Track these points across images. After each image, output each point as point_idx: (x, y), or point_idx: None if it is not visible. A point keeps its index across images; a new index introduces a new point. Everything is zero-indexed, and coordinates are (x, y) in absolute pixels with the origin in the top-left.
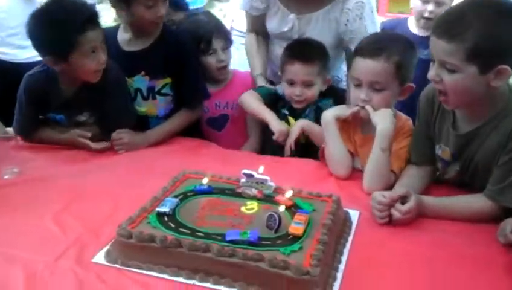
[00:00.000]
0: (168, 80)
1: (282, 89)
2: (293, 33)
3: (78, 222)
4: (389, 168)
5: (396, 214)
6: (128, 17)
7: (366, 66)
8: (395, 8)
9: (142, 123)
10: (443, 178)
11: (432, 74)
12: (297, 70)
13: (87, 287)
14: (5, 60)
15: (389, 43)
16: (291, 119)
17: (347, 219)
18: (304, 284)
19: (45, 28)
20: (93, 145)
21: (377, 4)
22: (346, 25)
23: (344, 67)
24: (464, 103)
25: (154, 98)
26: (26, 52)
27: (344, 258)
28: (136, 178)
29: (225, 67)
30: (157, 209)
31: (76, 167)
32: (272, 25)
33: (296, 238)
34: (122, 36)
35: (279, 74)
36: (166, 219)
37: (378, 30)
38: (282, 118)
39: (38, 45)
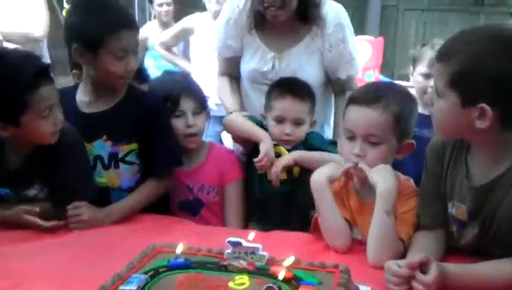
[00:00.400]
0: (134, 146)
1: (270, 130)
2: (273, 74)
3: None
4: (396, 235)
5: (419, 287)
6: (93, 71)
7: (361, 115)
8: None
9: (102, 196)
10: (458, 244)
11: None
12: (288, 106)
13: None
14: None
15: (388, 92)
16: (281, 148)
17: None
18: None
19: None
20: (42, 223)
21: None
22: (330, 51)
23: (331, 121)
24: (449, 134)
25: (117, 166)
26: None
27: None
28: (94, 258)
29: (195, 135)
30: (121, 288)
31: (21, 248)
32: (250, 65)
33: None
34: (81, 97)
35: (261, 115)
36: None
37: (354, 60)
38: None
39: None
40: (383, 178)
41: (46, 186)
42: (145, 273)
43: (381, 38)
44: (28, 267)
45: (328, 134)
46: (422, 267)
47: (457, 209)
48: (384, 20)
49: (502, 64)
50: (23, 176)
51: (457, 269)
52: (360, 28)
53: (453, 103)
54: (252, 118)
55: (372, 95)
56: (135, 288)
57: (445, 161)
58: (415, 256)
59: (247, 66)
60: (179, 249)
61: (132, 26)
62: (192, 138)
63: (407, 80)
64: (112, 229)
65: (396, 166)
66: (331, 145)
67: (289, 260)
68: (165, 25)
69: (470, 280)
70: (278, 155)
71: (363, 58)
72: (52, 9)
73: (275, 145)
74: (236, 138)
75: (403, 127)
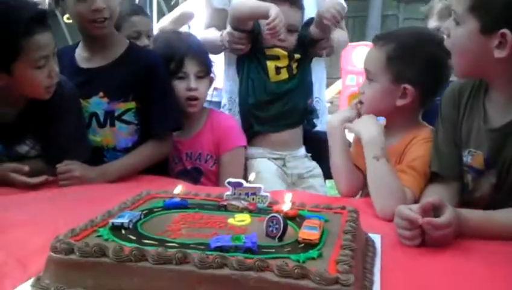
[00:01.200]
0: (131, 105)
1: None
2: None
3: (3, 250)
4: (396, 180)
5: (431, 230)
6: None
7: (368, 55)
8: None
9: (96, 156)
10: (473, 197)
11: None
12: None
13: None
14: None
15: (397, 34)
16: (279, 50)
17: (369, 240)
18: None
19: None
20: (30, 180)
21: None
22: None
23: (324, 85)
24: (466, 68)
25: (112, 124)
26: None
27: (377, 278)
28: (83, 209)
29: (196, 99)
30: (112, 221)
31: (8, 199)
32: None
33: (311, 246)
34: (81, 52)
35: None
36: (123, 232)
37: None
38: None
39: None
40: (365, 127)
41: (38, 142)
42: (140, 211)
43: None
44: (16, 216)
45: None
46: (436, 211)
47: (474, 157)
48: (384, 28)
49: None
50: (15, 130)
51: (474, 214)
52: (361, 36)
53: (473, 29)
54: None
55: (382, 35)
56: (127, 221)
57: (461, 106)
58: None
59: None
60: (177, 190)
61: None
62: (193, 102)
63: None
64: (105, 186)
65: None
66: None
67: (289, 204)
68: None
69: (488, 227)
70: (276, 57)
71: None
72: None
73: (271, 47)
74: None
75: (397, 68)
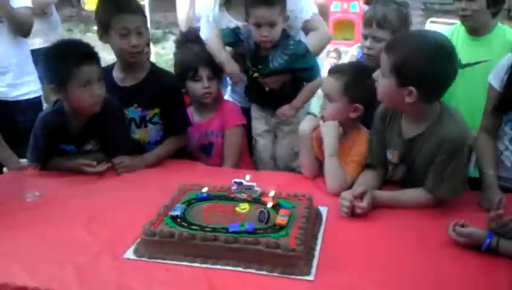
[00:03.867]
0: (157, 111)
1: (253, 35)
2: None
3: (103, 229)
4: (342, 170)
5: (357, 210)
6: (111, 47)
7: (325, 82)
8: (340, 35)
9: (136, 149)
10: (392, 179)
11: (376, 74)
12: (262, 13)
13: (124, 276)
14: None
15: (346, 66)
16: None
17: (318, 213)
18: (291, 259)
19: (49, 60)
20: (97, 168)
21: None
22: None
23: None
24: (388, 103)
25: (145, 126)
26: (15, 91)
27: (319, 241)
28: (141, 194)
29: (210, 94)
30: (170, 213)
31: (87, 187)
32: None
33: (282, 227)
34: (117, 74)
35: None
36: (178, 220)
37: (311, 2)
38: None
39: (43, 75)
40: (326, 131)
41: (98, 142)
42: (183, 203)
43: None
44: (96, 201)
45: None
46: (362, 195)
47: (393, 155)
48: None
49: (426, 63)
50: (82, 136)
51: (384, 195)
52: None
53: (392, 83)
54: (227, 31)
55: (335, 68)
56: (179, 213)
57: (386, 121)
58: (359, 187)
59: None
60: (205, 189)
61: (134, 9)
62: (208, 96)
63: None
64: (147, 172)
65: None
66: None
67: (273, 192)
68: None
69: (393, 203)
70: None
71: None
72: None
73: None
74: None
75: (352, 93)
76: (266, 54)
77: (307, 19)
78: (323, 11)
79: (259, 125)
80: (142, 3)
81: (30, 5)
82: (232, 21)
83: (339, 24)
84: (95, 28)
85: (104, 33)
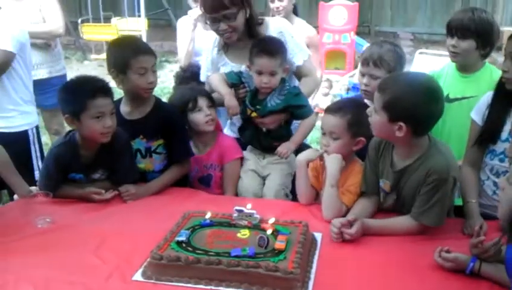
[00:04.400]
0: (161, 141)
1: (255, 81)
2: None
3: (112, 253)
4: (339, 200)
5: (346, 236)
6: (125, 85)
7: (327, 119)
8: (331, 65)
9: (141, 177)
10: (383, 207)
11: (369, 109)
12: (264, 63)
13: None
14: None
15: (346, 104)
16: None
17: (313, 239)
18: (289, 281)
19: (66, 92)
20: (105, 195)
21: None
22: None
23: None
24: (380, 136)
25: (150, 156)
26: None
27: (314, 264)
28: (146, 221)
29: (212, 120)
30: (176, 238)
31: (95, 215)
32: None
33: (280, 252)
34: (124, 108)
35: (247, 66)
36: (184, 245)
37: (303, 49)
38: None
39: (61, 105)
40: (330, 163)
41: (106, 171)
42: (187, 229)
43: (356, 4)
44: (104, 227)
45: None
46: (352, 223)
47: (385, 184)
48: None
49: (414, 101)
50: (91, 166)
51: (374, 223)
52: None
53: (384, 118)
54: (231, 73)
55: (336, 106)
56: (185, 238)
57: (379, 152)
58: (351, 215)
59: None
60: (208, 215)
61: (148, 50)
62: (210, 123)
63: (383, 36)
64: (151, 199)
65: None
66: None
67: (271, 220)
68: None
69: (382, 230)
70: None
71: (339, 22)
72: None
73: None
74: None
75: (355, 129)
76: (264, 97)
77: (299, 65)
78: (313, 43)
79: (247, 163)
80: (139, 32)
81: (6, 48)
82: (229, 63)
83: (331, 54)
84: (92, 56)
85: (120, 73)
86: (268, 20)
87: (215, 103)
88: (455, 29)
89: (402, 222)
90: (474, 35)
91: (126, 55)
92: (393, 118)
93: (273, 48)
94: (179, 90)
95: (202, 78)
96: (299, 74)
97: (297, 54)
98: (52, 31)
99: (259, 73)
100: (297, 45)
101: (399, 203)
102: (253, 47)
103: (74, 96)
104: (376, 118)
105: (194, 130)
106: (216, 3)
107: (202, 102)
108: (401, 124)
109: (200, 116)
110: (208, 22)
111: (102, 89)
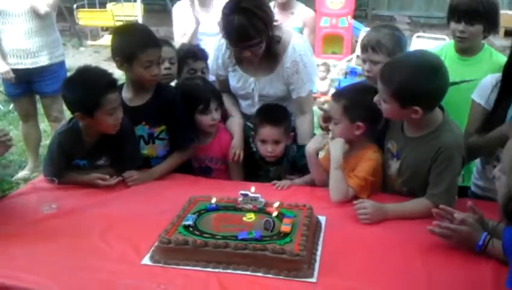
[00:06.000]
0: (163, 127)
1: (259, 149)
2: (254, 93)
3: (119, 239)
4: (344, 182)
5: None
6: (129, 74)
7: (329, 105)
8: (329, 49)
9: (145, 163)
10: (386, 173)
11: (376, 98)
12: (268, 132)
13: (143, 280)
14: None
15: (344, 89)
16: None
17: (318, 222)
18: (296, 263)
19: (76, 90)
20: (110, 181)
21: (312, 46)
22: (287, 79)
23: None
24: (398, 119)
25: (153, 142)
26: None
27: (319, 247)
28: (151, 205)
29: (216, 124)
30: (183, 222)
31: (100, 200)
32: (235, 85)
33: (286, 234)
34: (126, 94)
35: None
36: (191, 229)
37: (312, 80)
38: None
39: (70, 104)
40: (333, 147)
41: (110, 158)
42: (193, 213)
43: None
44: (110, 212)
45: None
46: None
47: (392, 145)
48: None
49: (420, 83)
50: (95, 152)
51: (392, 207)
52: None
53: (395, 106)
54: (247, 128)
55: (336, 93)
56: (191, 222)
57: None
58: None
59: (233, 85)
60: (213, 200)
61: (157, 43)
62: (213, 127)
63: (380, 20)
64: (155, 184)
65: None
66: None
67: (276, 203)
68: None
69: (400, 214)
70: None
71: (336, 5)
72: None
73: None
74: None
75: (351, 113)
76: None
77: (302, 96)
78: (309, 25)
79: None
80: (135, 18)
81: None
82: (238, 70)
83: (328, 38)
84: (88, 42)
85: (125, 63)
86: (290, 39)
87: (223, 104)
88: (463, 13)
89: (419, 204)
90: (483, 19)
91: (134, 46)
92: (405, 105)
93: (277, 117)
94: (190, 85)
95: (212, 75)
96: (298, 103)
97: (306, 84)
98: (34, 6)
99: (263, 142)
100: (308, 75)
101: (401, 177)
102: (256, 115)
103: (85, 94)
104: (387, 106)
105: (195, 125)
106: (242, 36)
107: (213, 105)
108: (416, 108)
109: (207, 119)
110: (230, 48)
111: (111, 83)
